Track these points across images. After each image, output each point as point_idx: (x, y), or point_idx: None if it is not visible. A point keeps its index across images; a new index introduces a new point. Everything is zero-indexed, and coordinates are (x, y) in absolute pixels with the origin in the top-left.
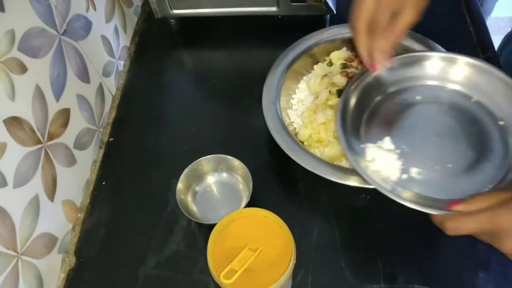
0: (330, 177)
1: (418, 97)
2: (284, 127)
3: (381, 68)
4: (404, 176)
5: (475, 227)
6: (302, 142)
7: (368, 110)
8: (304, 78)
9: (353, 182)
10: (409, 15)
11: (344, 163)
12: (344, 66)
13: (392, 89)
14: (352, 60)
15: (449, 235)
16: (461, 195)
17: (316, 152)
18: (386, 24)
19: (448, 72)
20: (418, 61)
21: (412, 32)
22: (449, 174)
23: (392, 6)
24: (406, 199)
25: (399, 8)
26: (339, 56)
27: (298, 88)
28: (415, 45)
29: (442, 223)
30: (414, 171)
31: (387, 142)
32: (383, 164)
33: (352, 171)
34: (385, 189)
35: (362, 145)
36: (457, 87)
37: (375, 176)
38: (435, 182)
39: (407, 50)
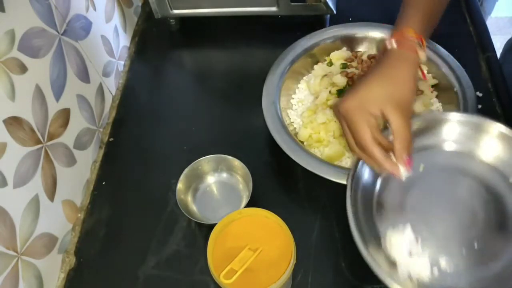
0: (330, 177)
1: (421, 166)
2: (284, 127)
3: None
4: (435, 270)
5: None
6: (302, 142)
7: (375, 197)
8: (304, 78)
9: None
10: (393, 123)
11: (344, 163)
12: (344, 66)
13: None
14: (352, 60)
15: None
16: (496, 280)
17: (316, 152)
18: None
19: (449, 132)
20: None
21: None
22: (477, 256)
23: (378, 120)
24: None
25: (385, 119)
26: (339, 56)
27: (298, 88)
28: None
29: None
30: (443, 262)
31: (407, 233)
32: (409, 263)
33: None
34: None
35: (382, 244)
36: (458, 148)
37: (408, 285)
38: (467, 270)
39: None
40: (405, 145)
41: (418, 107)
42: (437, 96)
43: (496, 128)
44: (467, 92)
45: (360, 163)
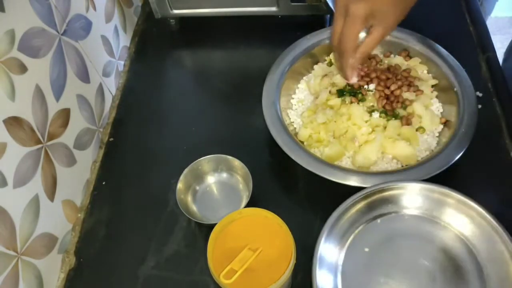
0: (330, 177)
1: (366, 250)
2: (284, 127)
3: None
4: None
5: None
6: (302, 142)
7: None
8: (304, 78)
9: (353, 182)
10: (374, 37)
11: (344, 163)
12: None
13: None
14: None
15: None
16: None
17: (316, 152)
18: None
19: (409, 201)
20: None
21: (412, 32)
22: None
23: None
24: None
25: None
26: None
27: (298, 88)
28: (416, 45)
29: None
30: None
31: None
32: None
33: (352, 171)
34: None
35: None
36: (418, 214)
37: None
38: None
39: (407, 50)
40: (365, 55)
41: (418, 107)
42: (437, 96)
43: (455, 196)
44: (467, 92)
45: (317, 271)
